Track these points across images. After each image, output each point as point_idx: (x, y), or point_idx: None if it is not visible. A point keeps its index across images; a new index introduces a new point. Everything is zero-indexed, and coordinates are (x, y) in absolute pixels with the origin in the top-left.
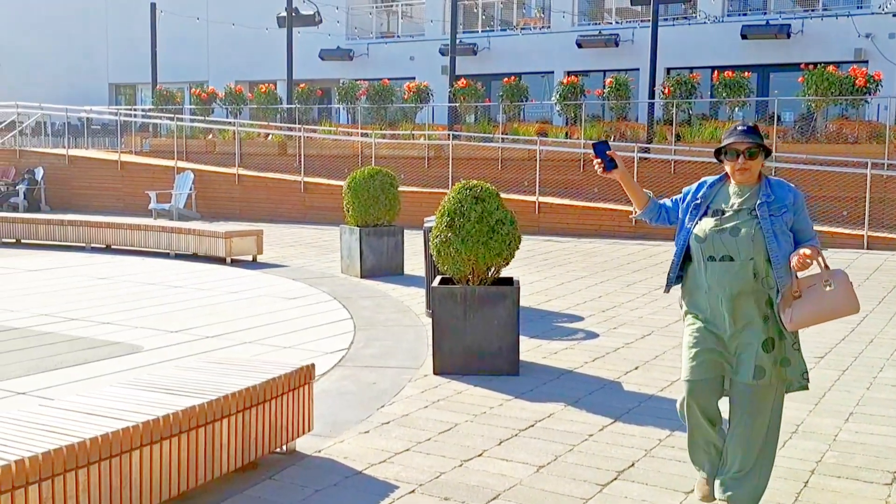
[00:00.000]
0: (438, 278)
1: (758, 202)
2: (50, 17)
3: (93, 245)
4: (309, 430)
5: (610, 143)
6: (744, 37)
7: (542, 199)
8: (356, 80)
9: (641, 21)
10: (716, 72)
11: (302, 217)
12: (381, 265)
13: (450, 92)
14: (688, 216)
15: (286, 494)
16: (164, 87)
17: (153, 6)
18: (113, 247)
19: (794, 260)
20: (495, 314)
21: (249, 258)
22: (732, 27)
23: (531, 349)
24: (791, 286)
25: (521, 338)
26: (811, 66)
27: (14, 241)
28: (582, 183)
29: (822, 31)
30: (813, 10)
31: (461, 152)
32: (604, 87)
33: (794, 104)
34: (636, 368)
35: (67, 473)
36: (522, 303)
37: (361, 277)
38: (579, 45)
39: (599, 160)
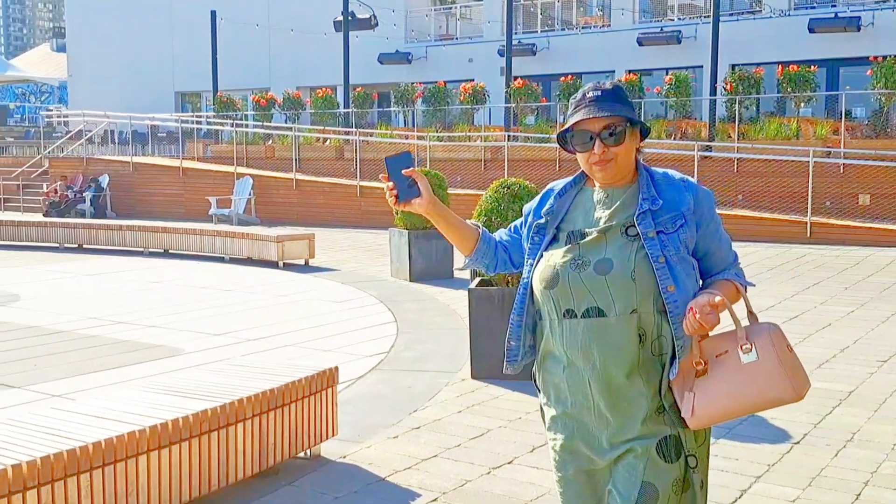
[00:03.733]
0: (476, 280)
1: (636, 212)
2: (118, 29)
3: (150, 250)
4: (333, 435)
5: (412, 159)
6: (811, 30)
7: None
8: (414, 83)
9: (704, 17)
10: (780, 66)
11: (358, 221)
12: (431, 268)
13: (506, 93)
14: (527, 247)
15: (303, 501)
16: (224, 94)
17: (213, 14)
18: (170, 251)
19: (687, 318)
20: None
21: (301, 262)
22: (799, 21)
23: None
24: (691, 354)
25: None
26: (880, 59)
27: (76, 246)
28: None
29: (895, 23)
30: (884, 2)
31: (518, 154)
32: (663, 85)
33: (866, 99)
34: None
35: (68, 478)
36: None
37: (410, 281)
38: (640, 43)
39: (391, 184)
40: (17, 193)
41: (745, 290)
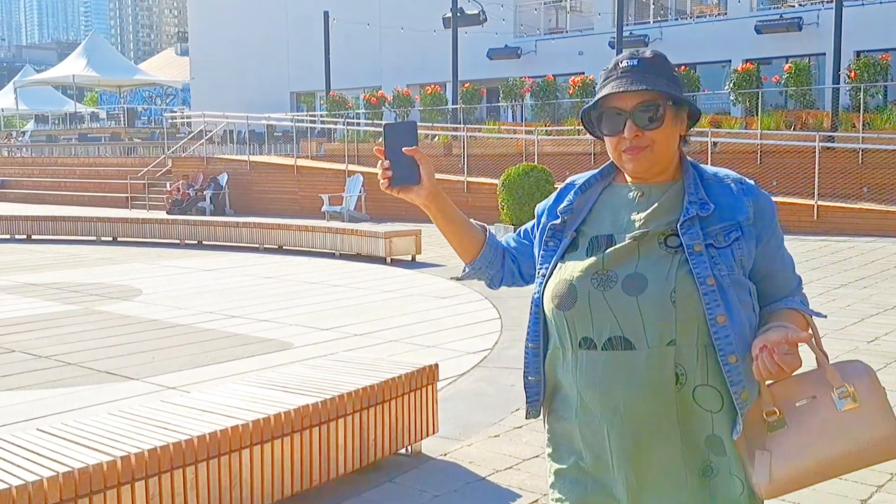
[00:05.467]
0: None
1: (680, 217)
2: (237, 32)
3: (265, 246)
4: (434, 433)
5: (416, 131)
6: None
7: None
8: (523, 77)
9: (827, 2)
10: None
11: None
12: None
13: None
14: (540, 253)
15: (404, 499)
16: (336, 94)
17: (326, 14)
18: (284, 247)
19: (759, 360)
20: None
21: (409, 258)
22: None
23: None
24: (760, 402)
25: None
26: None
27: (196, 242)
28: (759, 175)
29: None
30: None
31: None
32: (782, 74)
33: None
34: None
35: (174, 471)
36: None
37: None
38: (758, 31)
39: (387, 164)
40: (143, 192)
41: (813, 323)
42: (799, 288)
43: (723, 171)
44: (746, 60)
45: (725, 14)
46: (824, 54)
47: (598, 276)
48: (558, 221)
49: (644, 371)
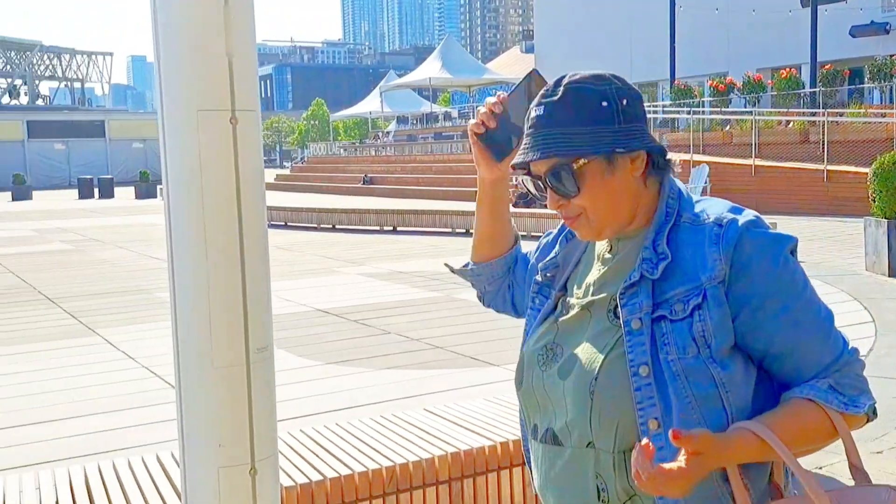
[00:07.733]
0: None
1: (625, 281)
2: (581, 26)
3: None
4: None
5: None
6: None
7: None
8: (893, 55)
9: None
10: None
11: (825, 209)
12: None
13: None
14: (528, 307)
15: None
16: (681, 82)
17: (672, 3)
18: None
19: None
20: None
21: None
22: None
23: None
24: None
25: None
26: None
27: (541, 234)
28: None
29: None
30: None
31: None
32: None
33: None
34: None
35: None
36: None
37: (889, 276)
38: None
39: (493, 113)
40: None
41: (843, 420)
42: (837, 365)
43: (711, 209)
44: None
45: None
46: None
47: (545, 352)
48: (541, 279)
49: (567, 476)
